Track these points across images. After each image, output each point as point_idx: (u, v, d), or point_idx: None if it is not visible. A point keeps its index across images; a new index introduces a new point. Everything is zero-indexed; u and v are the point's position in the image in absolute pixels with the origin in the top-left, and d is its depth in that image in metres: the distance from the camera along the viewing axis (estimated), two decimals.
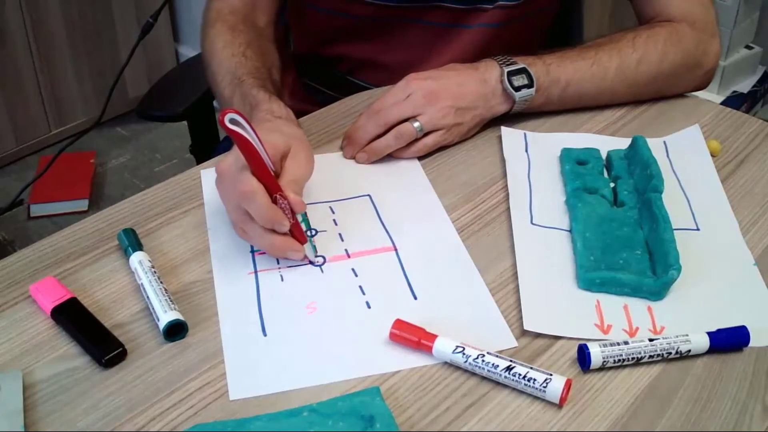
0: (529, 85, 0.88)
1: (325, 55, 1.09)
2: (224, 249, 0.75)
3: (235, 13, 0.98)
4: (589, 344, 0.63)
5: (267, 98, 0.83)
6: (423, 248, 0.75)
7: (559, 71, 0.90)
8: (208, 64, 0.96)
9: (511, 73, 0.88)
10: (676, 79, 0.96)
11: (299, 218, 0.78)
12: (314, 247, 0.74)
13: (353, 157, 0.87)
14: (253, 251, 0.75)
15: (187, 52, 2.52)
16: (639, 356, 0.63)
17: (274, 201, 0.69)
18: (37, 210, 2.13)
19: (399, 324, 0.65)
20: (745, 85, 2.34)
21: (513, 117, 0.91)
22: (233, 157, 0.70)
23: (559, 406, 0.60)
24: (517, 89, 0.88)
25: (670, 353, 0.63)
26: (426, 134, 0.86)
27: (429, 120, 0.85)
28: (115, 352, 0.63)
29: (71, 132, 2.37)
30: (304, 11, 1.07)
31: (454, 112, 0.86)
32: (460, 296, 0.70)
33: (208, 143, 1.26)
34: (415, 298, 0.70)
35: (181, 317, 0.65)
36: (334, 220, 0.78)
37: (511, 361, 0.61)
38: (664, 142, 0.89)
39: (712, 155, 0.87)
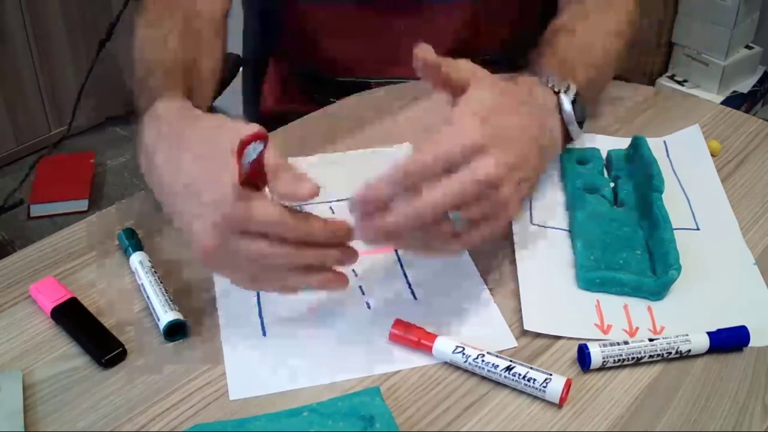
0: (584, 117, 0.75)
1: (318, 55, 1.09)
2: None
3: None
4: (589, 344, 0.62)
5: (168, 92, 0.70)
6: None
7: (588, 95, 0.78)
8: (133, 34, 0.80)
9: (573, 102, 0.72)
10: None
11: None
12: None
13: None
14: None
15: None
16: (639, 356, 0.63)
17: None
18: (37, 210, 2.13)
19: (399, 324, 0.65)
20: (745, 85, 2.34)
21: None
22: (218, 227, 0.57)
23: (559, 406, 0.60)
24: (580, 120, 0.74)
25: (670, 353, 0.63)
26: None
27: (482, 212, 0.60)
28: (115, 352, 0.63)
29: (71, 132, 2.37)
30: (294, 10, 1.06)
31: (519, 187, 0.62)
32: (460, 296, 0.70)
33: None
34: (415, 298, 0.70)
35: (181, 317, 0.65)
36: None
37: (510, 361, 0.61)
38: (664, 142, 0.89)
39: (712, 155, 0.87)
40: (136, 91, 0.74)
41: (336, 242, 0.59)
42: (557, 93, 0.72)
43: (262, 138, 0.54)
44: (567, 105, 0.72)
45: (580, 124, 0.73)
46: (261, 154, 0.56)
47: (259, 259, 0.58)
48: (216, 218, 0.57)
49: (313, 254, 0.59)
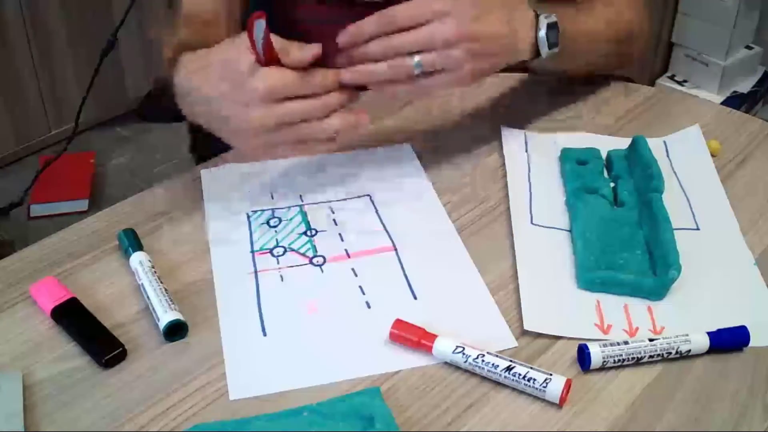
0: (556, 43, 0.81)
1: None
2: (224, 249, 0.75)
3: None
4: (589, 344, 0.62)
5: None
6: (423, 248, 0.75)
7: (574, 29, 0.83)
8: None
9: (550, 26, 0.79)
10: (624, 48, 0.93)
11: (300, 217, 0.79)
12: None
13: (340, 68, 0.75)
14: (252, 251, 0.75)
15: None
16: (639, 356, 0.63)
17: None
18: (37, 210, 2.12)
19: (399, 324, 0.65)
20: (745, 85, 2.34)
21: (513, 116, 0.91)
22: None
23: (559, 406, 0.60)
24: (551, 46, 0.80)
25: (670, 353, 0.63)
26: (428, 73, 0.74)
27: (438, 61, 0.73)
28: (115, 352, 0.63)
29: (71, 132, 2.37)
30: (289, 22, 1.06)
31: (472, 58, 0.74)
32: (460, 296, 0.70)
33: (208, 143, 1.26)
34: (415, 298, 0.70)
35: (181, 317, 0.65)
36: (334, 220, 0.78)
37: (511, 361, 0.61)
38: (664, 142, 0.89)
39: (712, 155, 0.87)
40: (168, 70, 0.81)
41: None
42: (537, 15, 0.80)
43: (261, 16, 0.66)
44: (543, 26, 0.79)
45: (552, 47, 0.80)
46: (267, 33, 0.67)
47: (298, 117, 0.70)
48: (246, 101, 0.69)
49: (337, 96, 0.72)
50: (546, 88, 0.98)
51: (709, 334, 0.64)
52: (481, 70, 0.76)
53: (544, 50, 0.80)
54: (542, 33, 0.79)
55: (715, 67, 2.28)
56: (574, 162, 0.84)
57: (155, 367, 0.63)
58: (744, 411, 0.60)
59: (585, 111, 0.95)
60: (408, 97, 0.78)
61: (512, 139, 0.89)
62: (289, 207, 0.80)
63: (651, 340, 0.63)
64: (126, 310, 0.68)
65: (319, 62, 0.72)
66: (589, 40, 0.87)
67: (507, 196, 0.81)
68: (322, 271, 0.73)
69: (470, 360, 0.62)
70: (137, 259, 0.71)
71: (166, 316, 0.65)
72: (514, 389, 0.61)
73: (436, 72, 0.74)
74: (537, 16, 0.80)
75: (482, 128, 0.91)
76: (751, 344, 0.64)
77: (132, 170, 2.31)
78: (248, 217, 0.79)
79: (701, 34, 2.27)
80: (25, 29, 2.15)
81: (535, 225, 0.77)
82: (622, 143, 0.88)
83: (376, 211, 0.80)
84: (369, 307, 0.69)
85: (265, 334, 0.66)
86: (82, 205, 2.14)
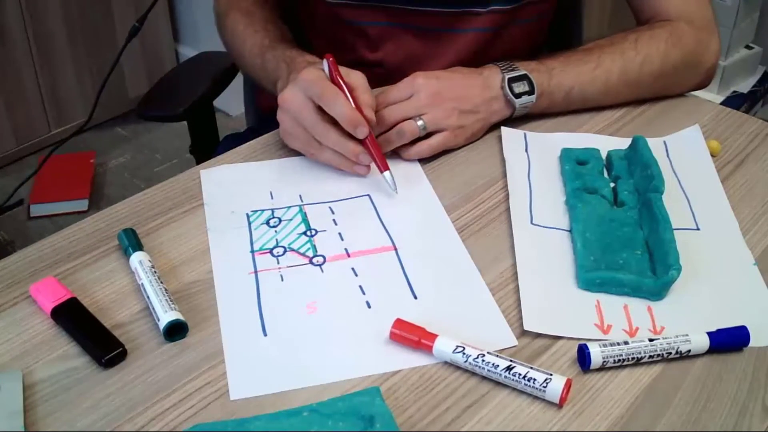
0: (530, 92, 0.89)
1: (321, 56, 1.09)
2: (224, 249, 0.75)
3: None
4: (589, 344, 0.63)
5: (301, 53, 0.91)
6: (423, 248, 0.75)
7: (562, 76, 0.90)
8: (231, 47, 1.03)
9: (512, 80, 0.88)
10: (677, 78, 0.96)
11: (300, 217, 0.79)
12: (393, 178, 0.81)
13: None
14: (252, 251, 0.75)
15: (187, 52, 2.52)
16: (639, 356, 0.63)
17: None
18: (37, 210, 2.13)
19: (399, 323, 0.65)
20: (745, 85, 2.34)
21: (515, 118, 0.91)
22: (298, 85, 0.80)
23: (559, 406, 0.60)
24: (518, 96, 0.88)
25: (670, 353, 0.63)
26: (430, 135, 0.86)
27: (432, 119, 0.85)
28: (115, 352, 0.63)
29: (71, 132, 2.36)
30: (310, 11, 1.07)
31: (458, 114, 0.86)
32: (460, 296, 0.70)
33: (208, 143, 1.27)
34: (415, 297, 0.70)
35: (181, 317, 0.65)
36: (334, 220, 0.78)
37: (511, 360, 0.61)
38: (664, 142, 0.89)
39: (712, 155, 0.87)
40: (258, 68, 0.96)
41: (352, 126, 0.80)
42: (502, 71, 0.89)
43: (328, 57, 0.82)
44: (505, 81, 0.88)
45: (518, 96, 0.89)
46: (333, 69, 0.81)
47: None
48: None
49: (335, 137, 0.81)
50: None
51: (709, 334, 0.64)
52: (470, 126, 0.88)
53: (514, 101, 0.89)
54: (506, 87, 0.88)
55: None
56: (574, 162, 0.84)
57: (155, 367, 0.63)
58: (744, 411, 0.60)
59: (585, 111, 0.95)
60: (420, 156, 0.87)
61: (512, 139, 0.89)
62: (288, 207, 0.80)
63: (651, 340, 0.63)
64: (126, 310, 0.68)
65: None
66: (598, 89, 0.92)
67: (507, 196, 0.81)
68: (322, 271, 0.73)
69: (470, 360, 0.62)
70: (137, 259, 0.71)
71: (166, 316, 0.65)
72: (514, 389, 0.61)
73: (437, 132, 0.86)
74: (502, 72, 0.89)
75: None
76: (751, 344, 0.64)
77: (132, 170, 2.31)
78: (248, 217, 0.79)
79: None
80: (25, 29, 2.15)
81: (535, 225, 0.77)
82: (622, 143, 0.88)
83: (376, 211, 0.80)
84: (369, 306, 0.69)
85: (265, 334, 0.66)
86: (82, 205, 2.14)
